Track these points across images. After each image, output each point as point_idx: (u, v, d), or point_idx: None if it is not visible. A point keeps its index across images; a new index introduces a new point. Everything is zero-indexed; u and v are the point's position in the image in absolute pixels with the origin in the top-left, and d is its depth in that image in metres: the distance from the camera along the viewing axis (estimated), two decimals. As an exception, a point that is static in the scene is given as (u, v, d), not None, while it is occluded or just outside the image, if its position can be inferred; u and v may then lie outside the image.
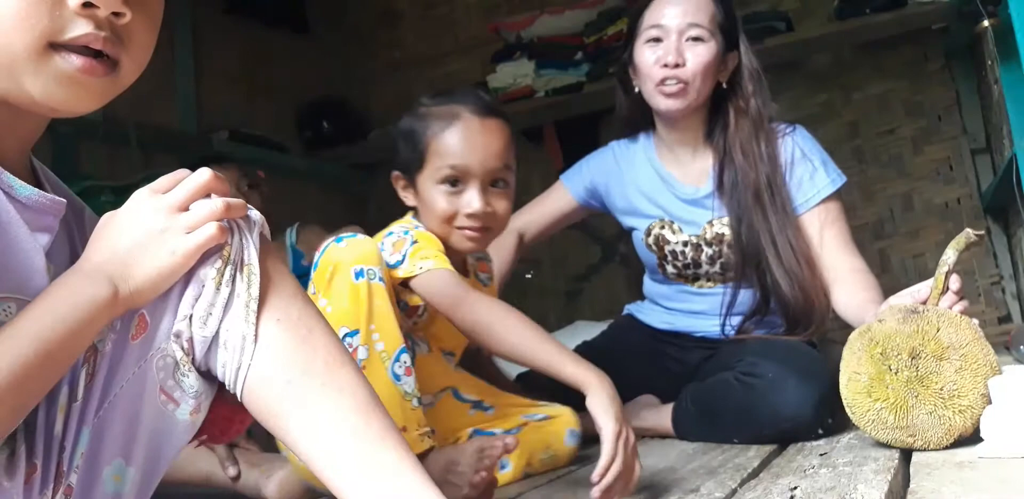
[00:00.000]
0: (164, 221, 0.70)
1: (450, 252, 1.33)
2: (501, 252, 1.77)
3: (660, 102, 1.62)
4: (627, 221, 1.81)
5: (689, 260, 1.71)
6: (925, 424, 1.11)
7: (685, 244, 1.71)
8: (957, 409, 1.09)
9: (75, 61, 0.69)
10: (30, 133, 0.76)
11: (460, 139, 1.29)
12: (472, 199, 1.29)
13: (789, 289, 1.58)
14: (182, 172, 0.73)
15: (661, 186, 1.74)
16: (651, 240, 1.75)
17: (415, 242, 1.28)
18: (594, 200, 1.87)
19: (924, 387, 1.11)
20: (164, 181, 0.73)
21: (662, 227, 1.74)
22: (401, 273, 1.26)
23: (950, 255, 1.19)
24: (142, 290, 0.68)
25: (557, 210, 1.91)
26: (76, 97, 0.71)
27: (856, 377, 1.16)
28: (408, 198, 1.38)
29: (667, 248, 1.73)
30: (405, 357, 1.20)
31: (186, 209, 0.71)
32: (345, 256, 1.19)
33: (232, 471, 1.32)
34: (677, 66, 1.58)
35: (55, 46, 0.68)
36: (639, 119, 1.76)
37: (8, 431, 0.64)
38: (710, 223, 1.69)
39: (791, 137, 1.66)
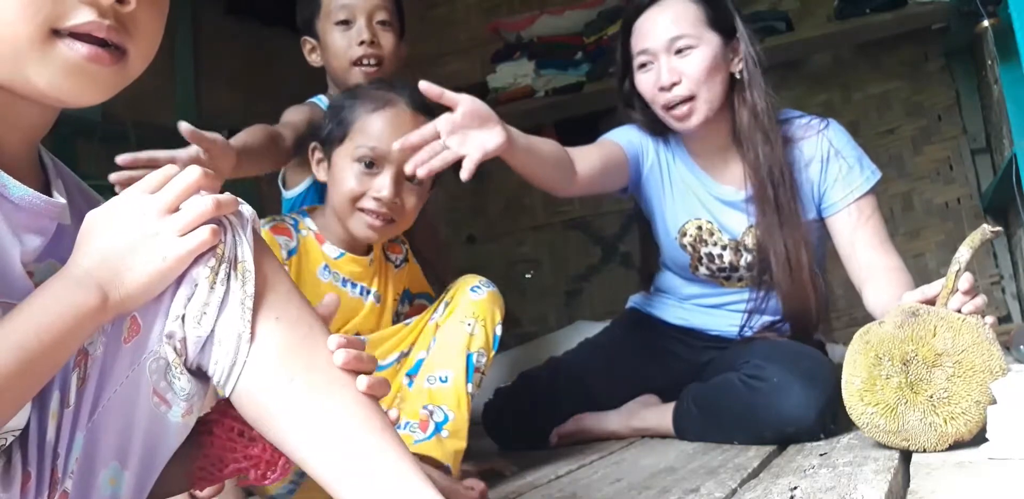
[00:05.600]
0: (155, 224, 0.67)
1: (352, 238, 1.33)
2: (558, 150, 1.45)
3: (675, 125, 1.57)
4: (658, 213, 1.70)
5: (727, 264, 1.65)
6: (916, 430, 1.10)
7: (724, 247, 1.65)
8: (948, 416, 1.08)
9: (80, 49, 0.67)
10: (36, 127, 0.74)
11: (386, 123, 1.29)
12: (384, 184, 1.27)
13: (784, 293, 1.57)
14: (170, 168, 0.70)
15: (698, 185, 1.66)
16: (687, 240, 1.67)
17: None
18: (634, 164, 1.66)
19: (914, 393, 1.10)
20: (153, 179, 0.70)
21: (699, 228, 1.66)
22: None
23: (963, 253, 1.16)
24: (133, 296, 0.66)
25: (604, 151, 1.61)
26: (83, 88, 0.69)
27: (851, 380, 1.16)
28: (320, 173, 1.37)
29: (704, 250, 1.66)
30: None
31: (176, 209, 0.68)
32: None
33: None
34: (674, 86, 1.52)
35: (59, 34, 0.67)
36: (664, 128, 1.65)
37: None
38: (750, 228, 1.62)
39: (824, 134, 1.60)
